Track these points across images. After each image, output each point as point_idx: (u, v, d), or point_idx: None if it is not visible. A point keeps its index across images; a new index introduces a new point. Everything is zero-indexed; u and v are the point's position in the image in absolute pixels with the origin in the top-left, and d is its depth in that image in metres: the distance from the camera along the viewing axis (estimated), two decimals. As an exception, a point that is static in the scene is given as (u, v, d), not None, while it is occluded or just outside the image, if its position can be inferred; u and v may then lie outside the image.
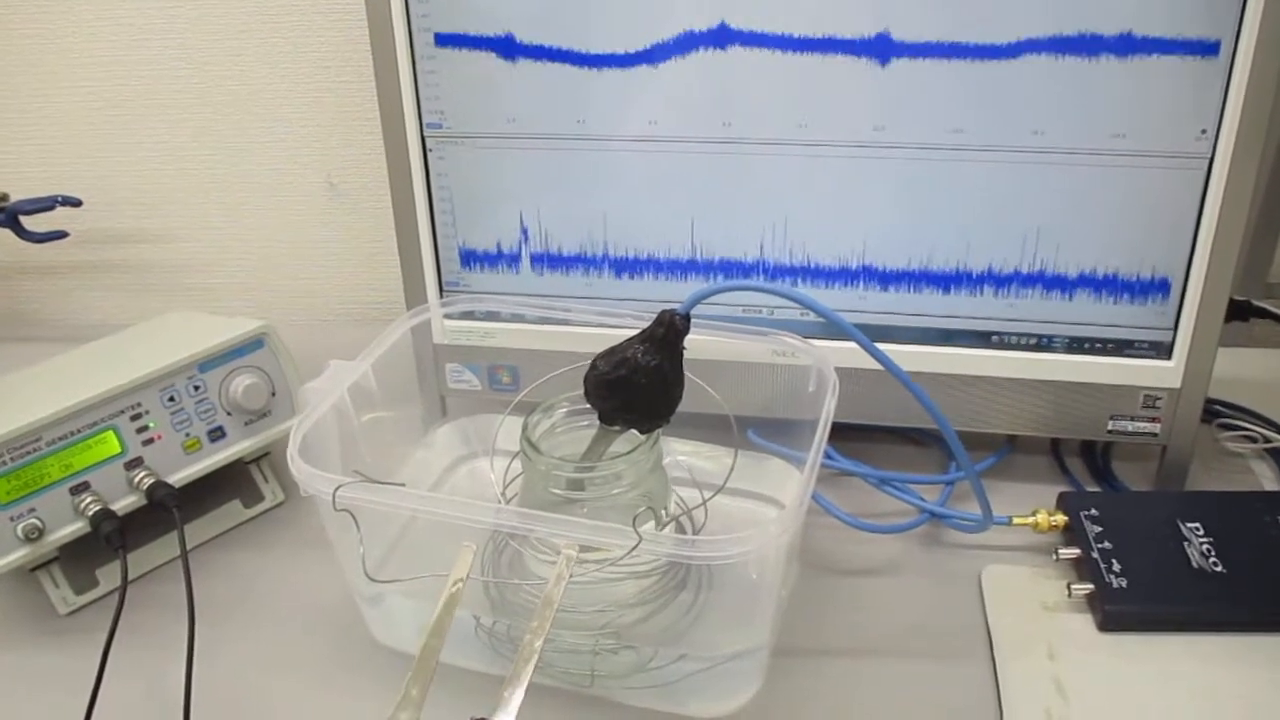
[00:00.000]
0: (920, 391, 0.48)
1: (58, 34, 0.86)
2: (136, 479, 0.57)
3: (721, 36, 0.57)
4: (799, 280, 0.62)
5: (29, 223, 0.85)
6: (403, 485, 0.50)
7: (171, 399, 0.58)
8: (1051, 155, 0.56)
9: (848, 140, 0.58)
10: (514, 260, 0.65)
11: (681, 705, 0.48)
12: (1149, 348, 0.59)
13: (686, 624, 0.50)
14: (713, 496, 0.54)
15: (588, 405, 0.50)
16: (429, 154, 0.63)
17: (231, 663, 0.52)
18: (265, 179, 0.90)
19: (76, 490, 0.55)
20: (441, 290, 0.67)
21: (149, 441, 0.58)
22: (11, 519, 0.53)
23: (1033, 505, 0.58)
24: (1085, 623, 0.52)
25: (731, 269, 0.62)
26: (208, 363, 0.60)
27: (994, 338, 0.61)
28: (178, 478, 0.58)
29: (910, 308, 0.61)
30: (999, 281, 0.59)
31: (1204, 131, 0.54)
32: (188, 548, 0.53)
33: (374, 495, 0.46)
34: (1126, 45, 0.52)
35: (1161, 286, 0.58)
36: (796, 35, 0.56)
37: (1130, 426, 0.61)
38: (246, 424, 0.62)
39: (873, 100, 0.56)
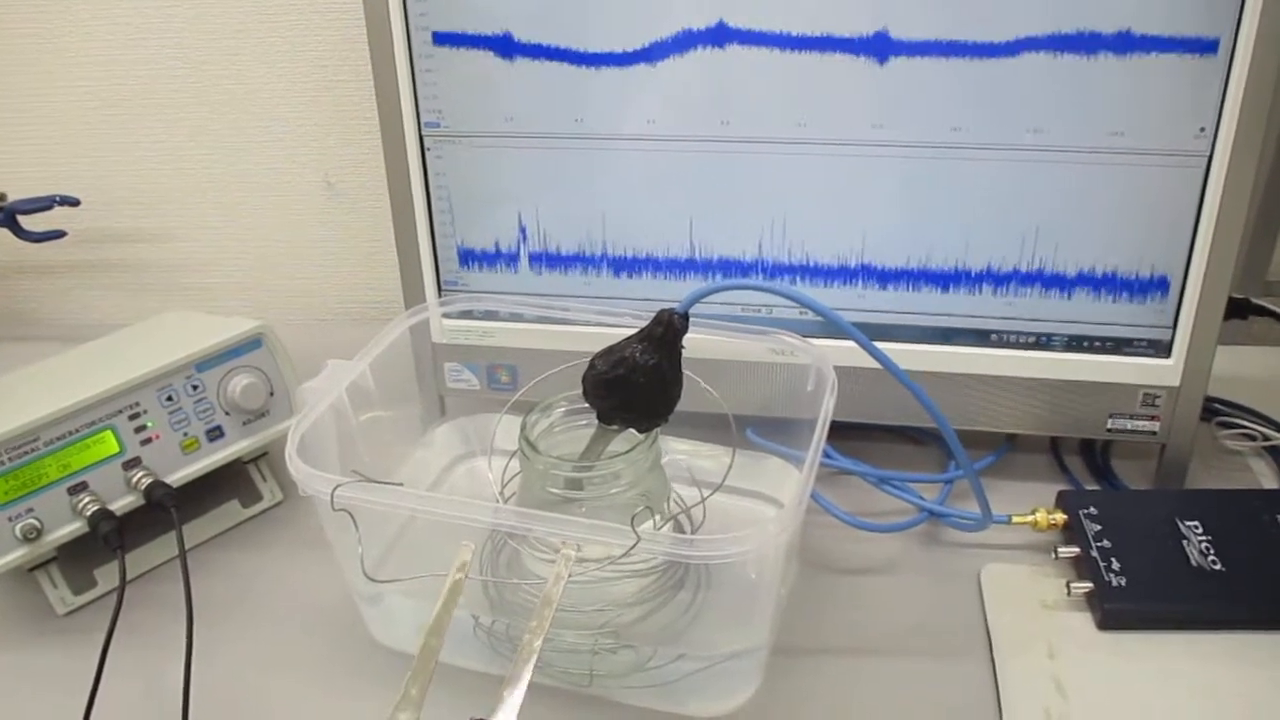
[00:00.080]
0: (919, 390, 0.48)
1: (54, 33, 0.86)
2: (135, 479, 0.57)
3: (720, 35, 0.56)
4: (798, 279, 0.62)
5: (27, 222, 0.85)
6: (401, 485, 0.50)
7: (169, 399, 0.58)
8: (1050, 153, 0.56)
9: (846, 139, 0.58)
10: (512, 259, 0.65)
11: (680, 705, 0.48)
12: (1148, 346, 0.59)
13: (685, 623, 0.50)
14: (711, 495, 0.54)
15: (586, 404, 0.50)
16: (427, 153, 0.63)
17: (230, 663, 0.52)
18: (263, 178, 0.90)
19: (74, 490, 0.55)
20: (440, 289, 0.67)
21: (147, 441, 0.58)
22: (9, 519, 0.53)
23: (1032, 504, 0.58)
24: (1084, 621, 0.52)
25: (730, 268, 0.62)
26: (206, 362, 0.60)
27: (993, 336, 0.61)
28: (176, 477, 0.58)
29: (909, 306, 0.61)
30: (998, 280, 0.59)
31: (1203, 129, 0.54)
32: (186, 548, 0.53)
33: (372, 495, 0.45)
34: (1125, 43, 0.52)
35: (1160, 285, 0.58)
36: (795, 34, 0.56)
37: (1129, 425, 0.61)
38: (244, 424, 0.62)
39: (871, 99, 0.56)
